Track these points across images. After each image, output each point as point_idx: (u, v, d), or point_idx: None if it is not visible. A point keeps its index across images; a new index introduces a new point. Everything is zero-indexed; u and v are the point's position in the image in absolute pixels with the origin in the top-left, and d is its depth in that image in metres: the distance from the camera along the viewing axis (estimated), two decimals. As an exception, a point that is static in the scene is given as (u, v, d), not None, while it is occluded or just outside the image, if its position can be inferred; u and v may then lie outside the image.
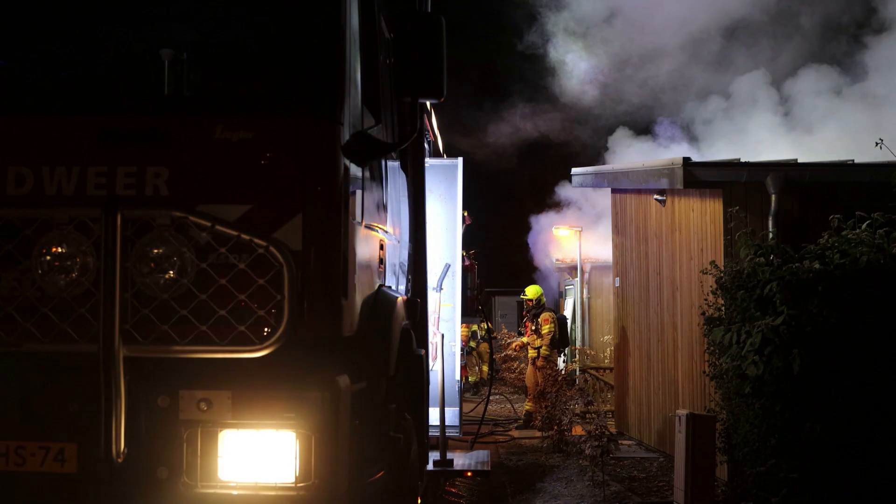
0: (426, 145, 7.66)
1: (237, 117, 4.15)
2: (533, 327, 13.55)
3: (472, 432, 10.60)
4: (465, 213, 10.56)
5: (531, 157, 34.20)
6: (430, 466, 7.29)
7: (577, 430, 11.20)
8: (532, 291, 14.04)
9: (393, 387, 4.85)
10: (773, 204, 8.41)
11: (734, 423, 7.14)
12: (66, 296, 4.00)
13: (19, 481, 3.96)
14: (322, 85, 4.28)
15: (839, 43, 17.45)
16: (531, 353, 13.56)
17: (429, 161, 8.03)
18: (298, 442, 3.88)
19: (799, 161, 9.70)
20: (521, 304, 21.93)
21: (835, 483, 6.24)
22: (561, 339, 13.76)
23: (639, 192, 11.84)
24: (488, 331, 15.05)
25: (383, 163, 5.13)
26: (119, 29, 4.59)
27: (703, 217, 9.49)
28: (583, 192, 21.36)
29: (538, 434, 11.93)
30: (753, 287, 6.71)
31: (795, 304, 6.33)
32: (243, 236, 3.95)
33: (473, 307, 14.40)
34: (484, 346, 19.11)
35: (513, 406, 15.73)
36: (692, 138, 17.84)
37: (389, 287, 5.22)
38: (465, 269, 11.27)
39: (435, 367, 8.20)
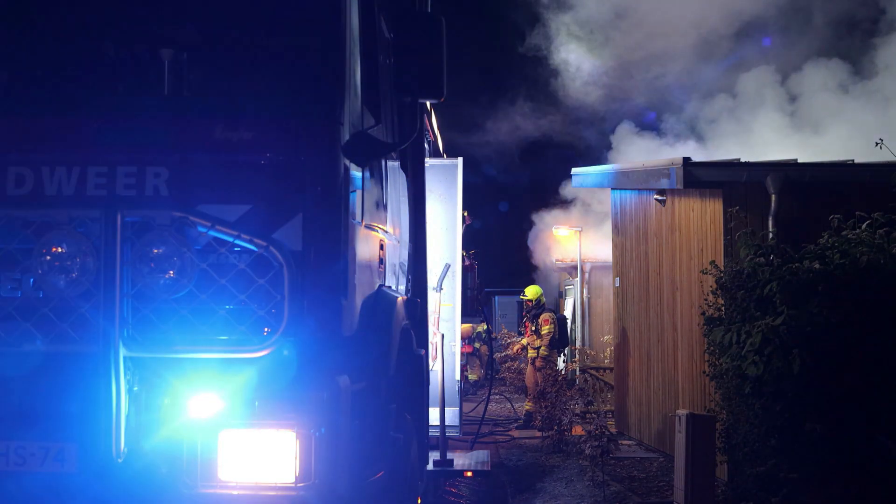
0: (426, 145, 7.67)
1: (237, 117, 4.15)
2: (533, 328, 13.55)
3: (472, 432, 10.60)
4: (465, 213, 10.56)
5: (532, 157, 34.24)
6: (430, 466, 7.29)
7: (577, 430, 11.19)
8: (532, 292, 14.03)
9: (393, 387, 4.85)
10: (773, 204, 8.40)
11: (734, 423, 7.14)
12: (66, 296, 4.00)
13: (19, 481, 3.96)
14: (322, 85, 4.28)
15: (850, 41, 17.41)
16: (531, 353, 13.55)
17: (429, 161, 8.03)
18: (298, 442, 3.88)
19: (799, 161, 9.70)
20: (521, 304, 21.93)
21: (835, 483, 6.24)
22: (560, 339, 13.75)
23: (639, 192, 11.84)
24: (488, 331, 15.03)
25: (383, 163, 5.12)
26: (119, 29, 4.59)
27: (703, 217, 9.48)
28: (583, 191, 21.36)
29: (538, 434, 11.92)
30: (753, 287, 6.70)
31: (795, 304, 6.33)
32: (243, 236, 3.96)
33: (474, 307, 14.40)
34: (483, 348, 19.11)
35: (513, 406, 15.72)
36: (698, 137, 17.81)
37: (389, 287, 5.22)
38: (465, 269, 11.27)
39: (435, 367, 8.20)
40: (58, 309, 4.00)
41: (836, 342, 6.25)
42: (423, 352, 5.78)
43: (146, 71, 4.54)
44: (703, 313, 7.51)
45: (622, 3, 20.21)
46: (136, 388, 3.95)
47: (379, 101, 4.81)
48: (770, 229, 8.19)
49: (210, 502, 3.91)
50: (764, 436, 6.59)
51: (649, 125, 19.89)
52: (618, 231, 13.15)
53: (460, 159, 9.67)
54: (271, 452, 3.90)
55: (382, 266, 5.08)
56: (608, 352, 18.15)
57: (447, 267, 9.00)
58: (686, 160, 9.13)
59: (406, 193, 6.00)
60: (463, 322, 10.73)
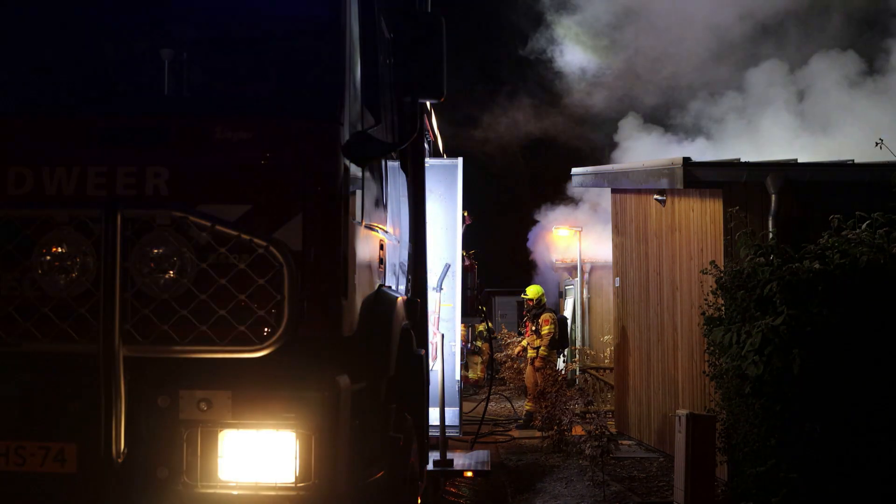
0: (426, 145, 7.66)
1: (237, 117, 4.15)
2: (533, 327, 13.54)
3: (472, 432, 10.59)
4: (466, 213, 10.55)
5: (533, 156, 34.23)
6: (430, 466, 7.28)
7: (577, 430, 11.19)
8: (533, 291, 14.02)
9: (393, 387, 4.85)
10: (773, 204, 8.40)
11: (734, 423, 7.14)
12: (66, 296, 4.00)
13: (19, 481, 3.96)
14: (322, 85, 4.29)
15: (865, 39, 17.31)
16: (530, 353, 13.55)
17: (429, 161, 8.02)
18: (298, 442, 3.88)
19: (799, 161, 9.70)
20: (521, 303, 21.92)
21: (835, 483, 6.24)
22: (560, 339, 13.74)
23: (639, 191, 11.84)
24: (489, 331, 15.04)
25: (383, 163, 5.12)
26: (120, 28, 4.59)
27: (703, 217, 9.48)
28: (583, 191, 21.34)
29: (538, 434, 11.92)
30: (753, 287, 6.70)
31: (795, 304, 6.33)
32: (243, 236, 3.96)
33: (474, 308, 14.40)
34: (484, 346, 19.11)
35: (513, 406, 15.72)
36: (707, 136, 17.73)
37: (389, 287, 5.22)
38: (465, 269, 11.28)
39: (435, 367, 8.20)
40: (58, 309, 4.00)
41: (836, 342, 6.25)
42: (423, 352, 5.78)
43: (146, 70, 4.55)
44: (703, 313, 7.51)
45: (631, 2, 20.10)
46: (136, 388, 3.95)
47: (379, 101, 4.81)
48: (770, 229, 8.19)
49: (210, 502, 3.91)
50: (764, 436, 6.59)
51: (658, 122, 19.77)
52: (618, 231, 13.15)
53: (460, 159, 9.65)
54: (271, 452, 3.90)
55: (382, 266, 5.08)
56: (608, 352, 18.15)
57: (447, 267, 8.99)
58: (686, 160, 9.13)
59: (406, 193, 6.00)
60: (462, 322, 10.72)
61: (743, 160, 9.65)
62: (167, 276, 3.98)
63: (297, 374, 3.94)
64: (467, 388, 17.80)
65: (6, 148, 4.18)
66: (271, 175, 4.08)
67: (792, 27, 17.88)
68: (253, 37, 4.55)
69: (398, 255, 5.70)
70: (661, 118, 19.70)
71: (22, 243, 4.03)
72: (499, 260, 30.45)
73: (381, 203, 5.07)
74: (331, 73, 4.29)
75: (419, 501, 5.79)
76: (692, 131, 18.21)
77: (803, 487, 6.27)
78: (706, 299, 7.59)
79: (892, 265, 6.30)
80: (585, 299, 21.15)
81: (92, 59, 4.58)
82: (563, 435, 11.12)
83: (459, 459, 8.78)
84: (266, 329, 3.96)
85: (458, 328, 9.73)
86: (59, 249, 4.01)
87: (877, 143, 7.74)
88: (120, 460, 3.88)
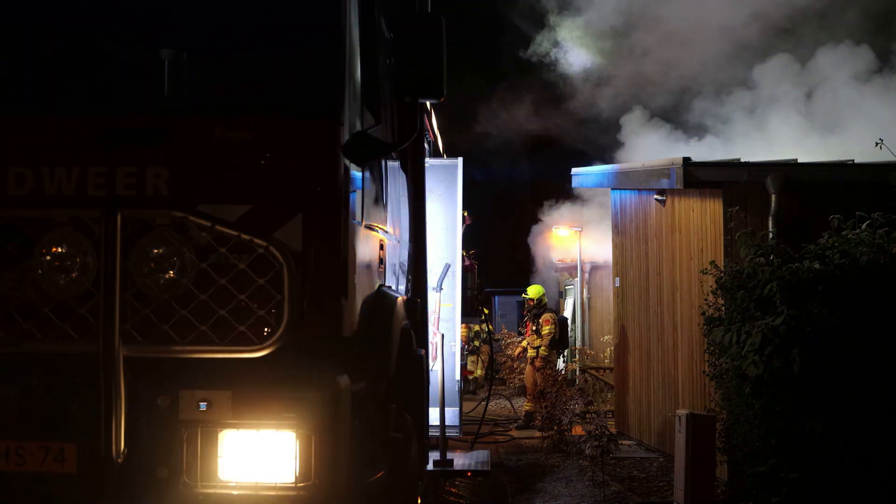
0: (426, 145, 7.66)
1: (237, 117, 4.16)
2: (533, 327, 13.54)
3: (472, 432, 10.59)
4: (466, 213, 10.55)
5: (534, 156, 34.22)
6: (430, 466, 7.28)
7: (577, 430, 11.19)
8: (534, 291, 14.01)
9: (393, 387, 4.85)
10: (773, 204, 8.40)
11: (734, 423, 7.14)
12: (66, 296, 4.00)
13: (19, 481, 3.96)
14: (322, 85, 4.29)
15: (877, 39, 17.18)
16: (530, 352, 13.55)
17: (429, 161, 8.03)
18: (298, 442, 3.88)
19: (799, 161, 9.70)
20: (521, 303, 21.92)
21: (835, 483, 6.24)
22: (561, 340, 13.74)
23: (639, 192, 11.84)
24: (489, 332, 15.04)
25: (383, 163, 5.13)
26: (119, 28, 4.59)
27: (703, 217, 9.48)
28: (583, 191, 21.31)
29: (538, 434, 11.93)
30: (753, 287, 6.70)
31: (795, 304, 6.33)
32: (243, 236, 3.96)
33: (475, 308, 14.39)
34: (484, 347, 19.11)
35: (513, 406, 15.72)
36: (718, 135, 17.64)
37: (389, 287, 5.22)
38: (465, 269, 11.27)
39: (435, 367, 8.20)
40: (58, 309, 4.00)
41: (836, 342, 6.25)
42: (423, 352, 5.78)
43: (146, 70, 4.55)
44: (703, 313, 7.51)
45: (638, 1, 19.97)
46: (136, 388, 3.95)
47: (379, 101, 4.81)
48: (770, 229, 8.19)
49: (210, 502, 3.91)
50: (764, 436, 6.59)
51: (666, 118, 19.65)
52: (618, 231, 13.15)
53: (460, 159, 9.65)
54: (271, 452, 3.90)
55: (382, 266, 5.08)
56: (608, 352, 18.15)
57: (447, 267, 8.99)
58: (686, 160, 9.13)
59: (406, 193, 6.00)
60: (462, 322, 10.72)
61: (743, 160, 9.65)
62: (167, 277, 3.99)
63: (298, 374, 3.94)
64: (468, 384, 17.80)
65: (6, 148, 4.18)
66: (271, 175, 4.08)
67: (806, 25, 17.75)
68: (253, 37, 4.54)
69: (398, 255, 5.70)
70: (670, 115, 19.58)
71: (22, 243, 4.04)
72: (499, 260, 30.46)
73: (381, 203, 5.08)
74: (331, 73, 4.30)
75: (419, 501, 5.79)
76: (699, 129, 18.12)
77: (803, 487, 6.27)
78: (706, 299, 7.59)
79: (893, 265, 6.29)
80: (585, 299, 21.15)
81: (92, 58, 4.58)
82: (563, 435, 11.11)
83: (459, 459, 8.78)
84: (266, 329, 3.96)
85: (458, 328, 9.74)
86: (59, 249, 4.02)
87: (876, 144, 7.73)
88: (120, 460, 3.88)
